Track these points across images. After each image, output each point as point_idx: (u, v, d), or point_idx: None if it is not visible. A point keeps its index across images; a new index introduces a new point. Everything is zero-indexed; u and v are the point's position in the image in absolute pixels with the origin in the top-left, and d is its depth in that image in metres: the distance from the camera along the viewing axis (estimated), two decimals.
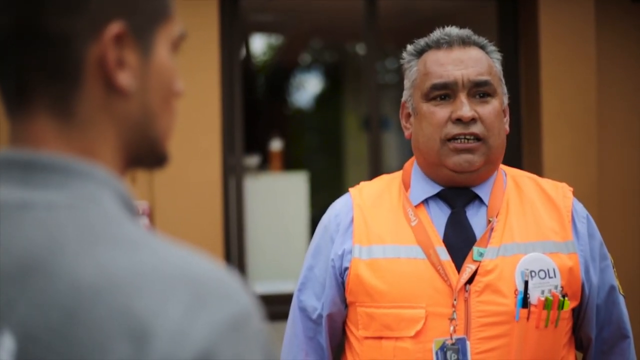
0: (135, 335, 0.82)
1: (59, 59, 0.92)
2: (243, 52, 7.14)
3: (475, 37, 1.99)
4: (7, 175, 0.92)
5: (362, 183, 2.10)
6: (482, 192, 1.97)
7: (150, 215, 4.56)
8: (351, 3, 5.55)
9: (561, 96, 5.08)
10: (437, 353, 1.85)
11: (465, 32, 1.99)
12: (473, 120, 1.91)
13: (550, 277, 1.90)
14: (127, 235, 0.89)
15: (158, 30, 0.98)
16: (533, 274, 1.88)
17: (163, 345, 0.81)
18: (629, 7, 5.24)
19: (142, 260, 0.86)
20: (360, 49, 9.15)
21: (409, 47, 2.02)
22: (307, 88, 9.66)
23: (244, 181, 5.11)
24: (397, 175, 2.05)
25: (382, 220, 1.97)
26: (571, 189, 2.08)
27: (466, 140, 1.91)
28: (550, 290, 1.88)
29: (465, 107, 1.90)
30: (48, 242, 0.87)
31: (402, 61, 2.05)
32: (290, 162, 6.83)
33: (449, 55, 1.95)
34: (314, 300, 2.03)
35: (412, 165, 2.03)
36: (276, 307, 5.13)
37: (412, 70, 1.99)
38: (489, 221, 1.92)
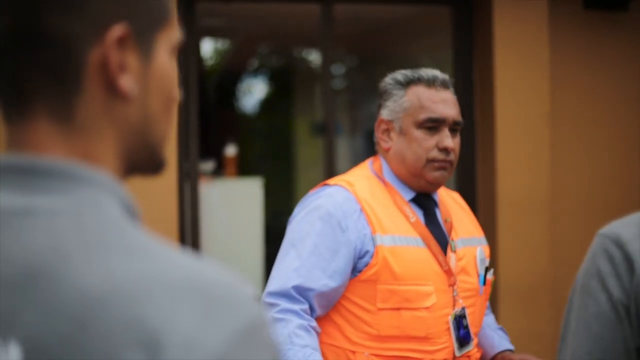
0: (146, 345, 0.80)
1: (59, 62, 0.90)
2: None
3: (449, 81, 2.55)
4: (7, 181, 0.90)
5: (344, 179, 2.52)
6: (436, 198, 2.60)
7: None
8: (306, 8, 5.54)
9: (515, 102, 5.13)
10: (454, 321, 2.44)
11: (444, 75, 2.54)
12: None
13: (487, 264, 2.59)
14: (133, 242, 0.87)
15: (158, 34, 0.97)
16: (485, 261, 2.57)
17: (175, 355, 0.80)
18: (582, 13, 5.30)
19: (150, 268, 0.84)
20: (309, 54, 9.15)
21: (395, 76, 2.56)
22: (256, 93, 9.65)
23: (199, 187, 5.07)
24: (370, 176, 2.55)
25: (384, 214, 2.44)
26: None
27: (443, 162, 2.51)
28: (492, 273, 2.59)
29: (449, 140, 2.49)
30: (52, 249, 0.84)
31: (384, 85, 2.56)
32: (241, 168, 6.81)
33: (438, 95, 2.51)
34: (324, 278, 2.36)
35: (382, 171, 2.55)
36: None
37: (403, 99, 2.52)
38: (445, 220, 2.55)
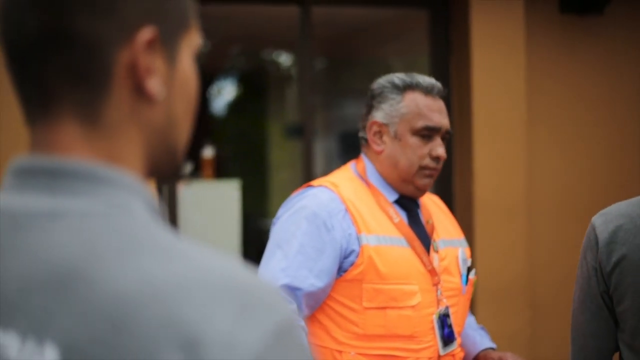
0: (184, 344, 0.80)
1: (87, 64, 0.90)
2: None
3: (443, 89, 2.58)
4: (33, 182, 0.89)
5: (327, 180, 2.54)
6: (418, 200, 2.62)
7: None
8: (284, 11, 5.55)
9: (492, 105, 5.16)
10: (438, 320, 2.48)
11: (439, 84, 2.58)
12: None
13: (469, 264, 2.64)
14: (164, 243, 0.87)
15: (182, 38, 0.97)
16: (467, 261, 2.61)
17: (214, 355, 0.80)
18: (558, 17, 5.35)
19: (184, 268, 0.84)
20: (284, 56, 9.14)
21: (391, 79, 2.56)
22: (231, 96, 9.62)
23: (177, 189, 5.06)
24: (353, 178, 2.57)
25: (368, 214, 2.47)
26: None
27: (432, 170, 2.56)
28: (474, 273, 2.63)
29: (441, 149, 2.53)
30: (85, 251, 0.84)
31: (379, 87, 2.56)
32: (217, 170, 6.80)
33: (435, 104, 2.54)
34: (310, 278, 2.37)
35: (366, 172, 2.58)
36: None
37: (400, 104, 2.53)
38: (427, 222, 2.58)
